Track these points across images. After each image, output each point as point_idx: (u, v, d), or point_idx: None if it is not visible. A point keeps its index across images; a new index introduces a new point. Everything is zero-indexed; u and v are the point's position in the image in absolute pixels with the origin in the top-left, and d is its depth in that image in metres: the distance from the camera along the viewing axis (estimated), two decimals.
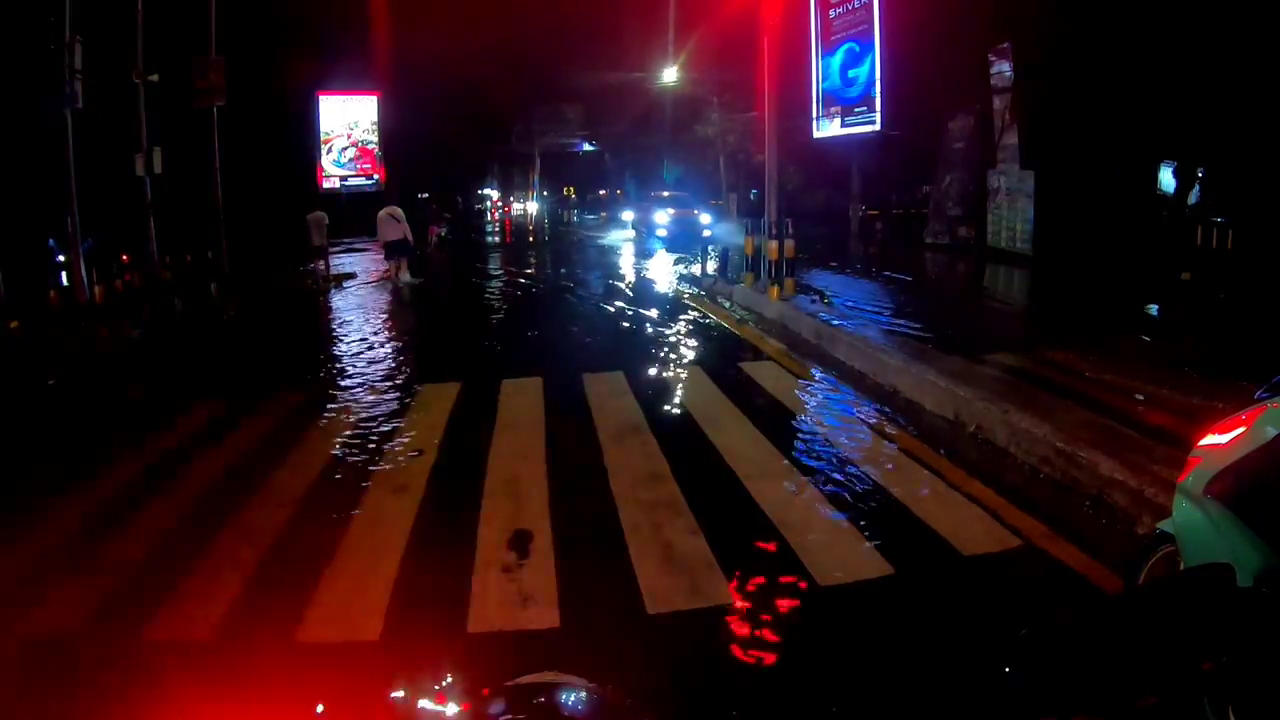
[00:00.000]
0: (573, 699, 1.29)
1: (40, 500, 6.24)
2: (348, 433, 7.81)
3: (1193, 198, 18.84)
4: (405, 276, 20.85)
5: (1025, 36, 20.95)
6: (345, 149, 49.09)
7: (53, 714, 3.75)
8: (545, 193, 72.82)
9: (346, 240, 33.07)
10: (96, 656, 4.14)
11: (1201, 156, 18.49)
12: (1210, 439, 3.44)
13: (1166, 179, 19.41)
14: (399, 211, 21.25)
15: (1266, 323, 10.78)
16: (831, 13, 28.93)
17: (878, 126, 27.03)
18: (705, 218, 30.47)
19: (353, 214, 38.67)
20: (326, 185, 47.81)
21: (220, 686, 3.85)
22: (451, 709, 1.29)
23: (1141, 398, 7.60)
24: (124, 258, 20.03)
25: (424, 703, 1.35)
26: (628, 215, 40.10)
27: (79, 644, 4.28)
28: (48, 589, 4.84)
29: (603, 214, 58.86)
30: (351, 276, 23.23)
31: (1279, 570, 2.93)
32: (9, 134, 18.09)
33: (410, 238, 21.24)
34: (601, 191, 73.39)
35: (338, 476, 6.63)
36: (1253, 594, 2.66)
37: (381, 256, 22.26)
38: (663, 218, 31.00)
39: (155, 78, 21.10)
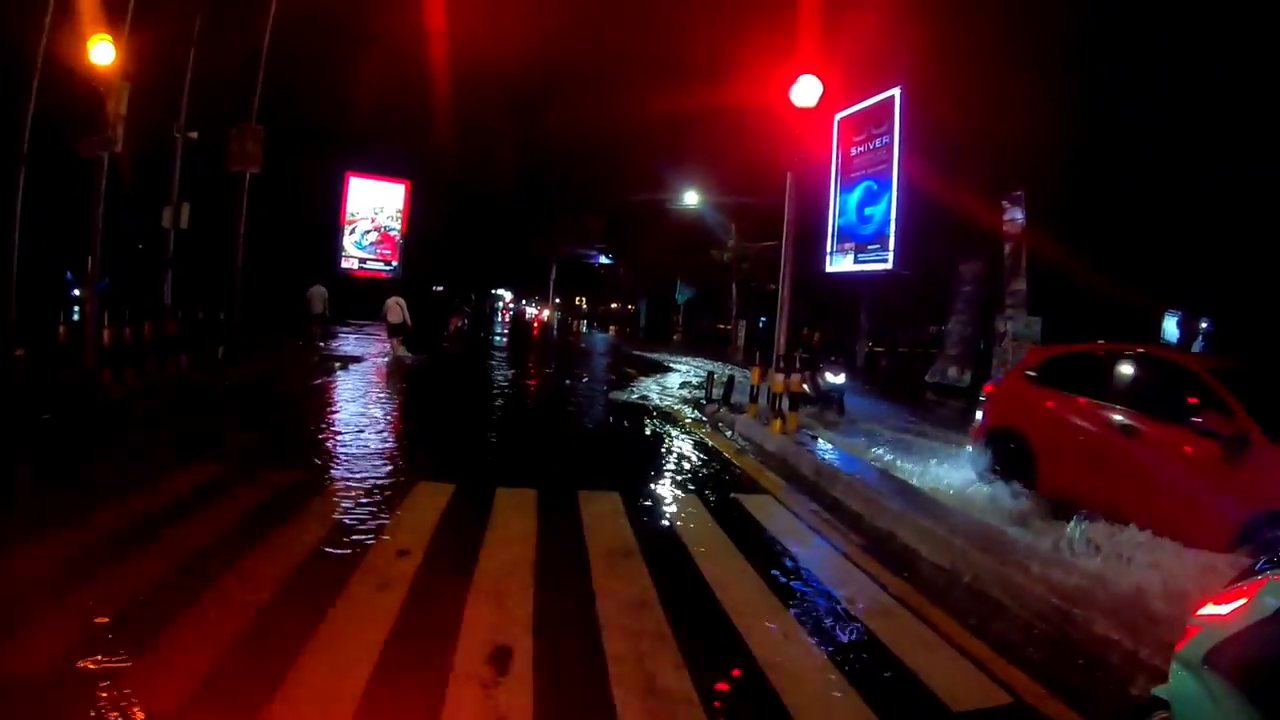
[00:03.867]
0: None
1: (7, 542, 6.22)
2: (336, 520, 7.70)
3: (1196, 348, 19.03)
4: (402, 351, 26.11)
5: (1037, 185, 21.40)
6: (368, 232, 50.05)
7: None
8: (558, 299, 73.61)
9: (356, 322, 33.33)
10: (55, 711, 4.10)
11: (1205, 309, 18.74)
12: (1210, 609, 3.42)
13: (1171, 329, 19.63)
14: (403, 301, 26.52)
15: None
16: (852, 150, 29.65)
17: (890, 265, 27.43)
18: None
19: (367, 298, 39.14)
20: (344, 265, 48.47)
21: None
22: None
23: (1145, 556, 7.52)
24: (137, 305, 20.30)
25: None
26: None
27: (41, 692, 4.23)
28: (9, 638, 4.78)
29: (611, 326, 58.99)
30: (358, 360, 23.46)
31: None
32: (45, 167, 18.44)
33: (409, 322, 26.49)
34: (614, 304, 74.12)
35: (321, 563, 6.52)
36: None
37: (385, 335, 27.16)
38: None
39: (195, 135, 21.63)
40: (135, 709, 4.19)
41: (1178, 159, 17.28)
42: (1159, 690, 3.63)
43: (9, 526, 6.60)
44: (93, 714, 4.10)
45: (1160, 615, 5.69)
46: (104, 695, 4.26)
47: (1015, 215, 22.78)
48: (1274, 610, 3.11)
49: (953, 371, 25.86)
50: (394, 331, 26.28)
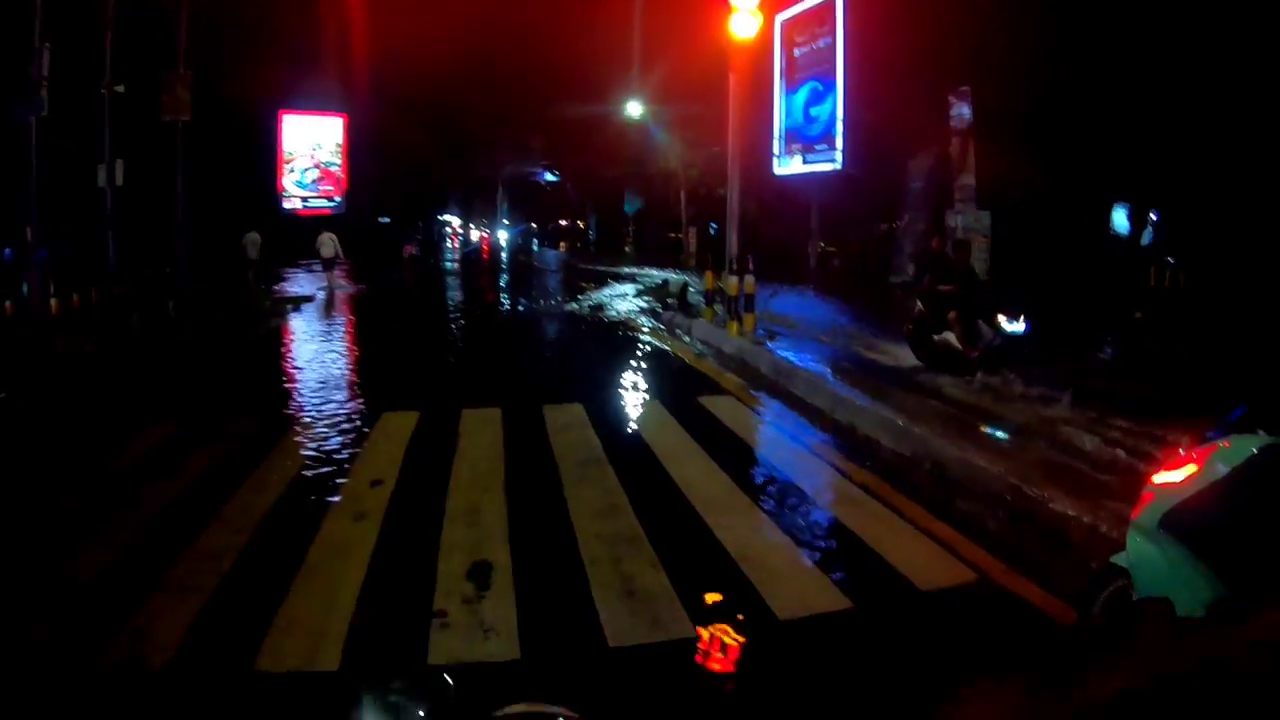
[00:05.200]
0: None
1: None
2: (306, 458, 7.75)
3: (1146, 239, 19.29)
4: (338, 283, 27.35)
5: (984, 80, 21.34)
6: (308, 170, 48.78)
7: None
8: (506, 221, 72.79)
9: (305, 261, 32.89)
10: (49, 681, 4.07)
11: (1154, 199, 18.94)
12: (1163, 476, 3.55)
13: (1120, 221, 19.85)
14: (334, 236, 27.63)
15: (1215, 361, 11.00)
16: (796, 51, 29.35)
17: (838, 165, 27.37)
18: None
19: (312, 237, 38.56)
20: (287, 205, 47.42)
21: (176, 715, 3.81)
22: None
23: (1094, 435, 7.73)
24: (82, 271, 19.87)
25: None
26: None
27: (30, 665, 4.21)
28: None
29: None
30: (309, 299, 23.25)
31: (1229, 602, 3.02)
32: None
33: (340, 255, 27.83)
34: (563, 221, 73.33)
35: (296, 502, 6.58)
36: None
37: (321, 269, 28.02)
38: None
39: (122, 89, 20.96)
40: (144, 648, 4.26)
41: (1124, 51, 17.27)
42: (1117, 559, 3.78)
43: None
44: (114, 657, 4.18)
45: None
46: (109, 646, 4.32)
47: (962, 111, 22.75)
48: (1224, 475, 3.26)
49: (910, 269, 26.00)
50: (328, 266, 27.32)
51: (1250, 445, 3.27)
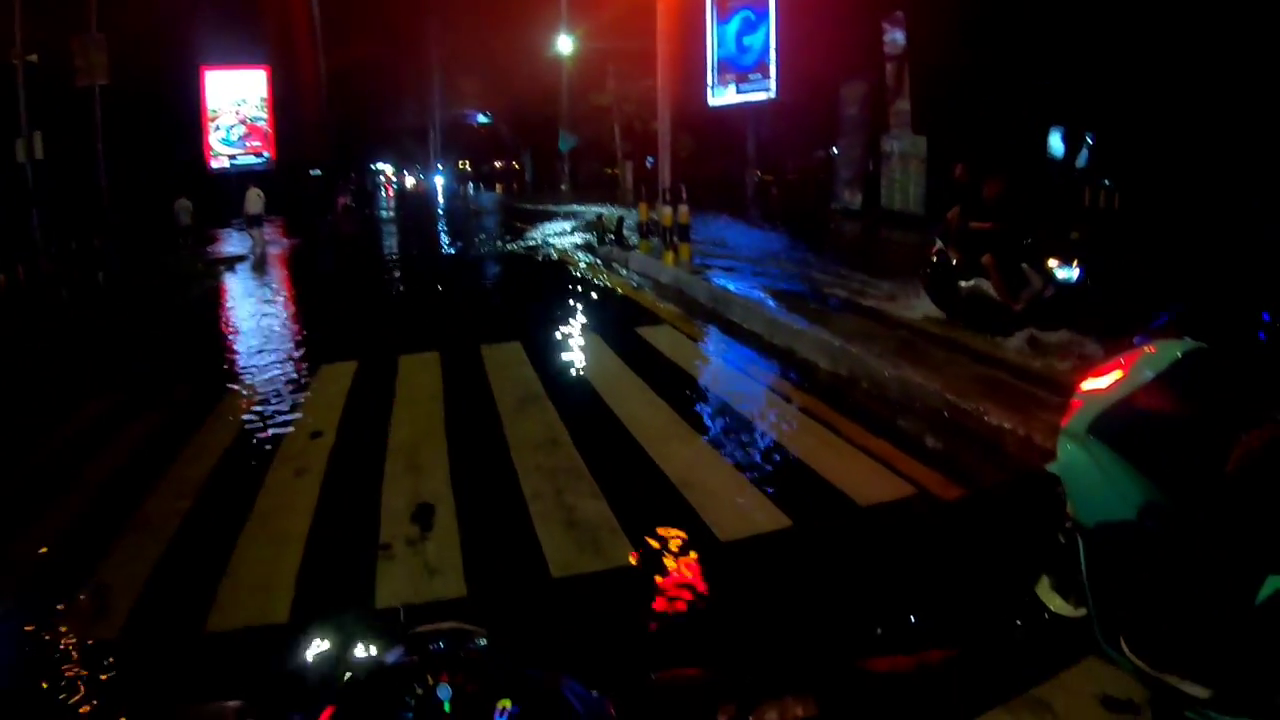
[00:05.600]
0: (470, 644, 1.30)
1: None
2: (245, 418, 7.65)
3: (1081, 161, 19.43)
4: (266, 239, 26.25)
5: (917, 6, 21.27)
6: (233, 127, 47.34)
7: None
8: (441, 165, 71.90)
9: (238, 221, 32.24)
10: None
11: (1089, 122, 19.06)
12: (1091, 383, 3.61)
13: (1056, 143, 19.97)
14: (260, 192, 26.48)
15: (1146, 276, 11.21)
16: None
17: (773, 93, 27.25)
18: None
19: (243, 193, 37.73)
20: (215, 165, 46.12)
21: (132, 683, 3.76)
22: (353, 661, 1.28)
23: (1028, 348, 7.86)
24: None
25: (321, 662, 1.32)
26: None
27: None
28: None
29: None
30: (243, 259, 22.85)
31: (1159, 504, 3.11)
32: None
33: (263, 211, 26.28)
34: (498, 163, 72.45)
35: (238, 462, 6.51)
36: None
37: (247, 227, 26.59)
38: None
39: (34, 58, 20.18)
40: (94, 621, 4.20)
41: None
42: (1050, 466, 3.85)
43: None
44: (64, 632, 4.10)
45: None
46: (60, 617, 4.24)
47: (895, 37, 22.71)
48: (1149, 379, 3.33)
49: (847, 195, 26.07)
50: (254, 223, 26.04)
51: (1175, 350, 3.34)
